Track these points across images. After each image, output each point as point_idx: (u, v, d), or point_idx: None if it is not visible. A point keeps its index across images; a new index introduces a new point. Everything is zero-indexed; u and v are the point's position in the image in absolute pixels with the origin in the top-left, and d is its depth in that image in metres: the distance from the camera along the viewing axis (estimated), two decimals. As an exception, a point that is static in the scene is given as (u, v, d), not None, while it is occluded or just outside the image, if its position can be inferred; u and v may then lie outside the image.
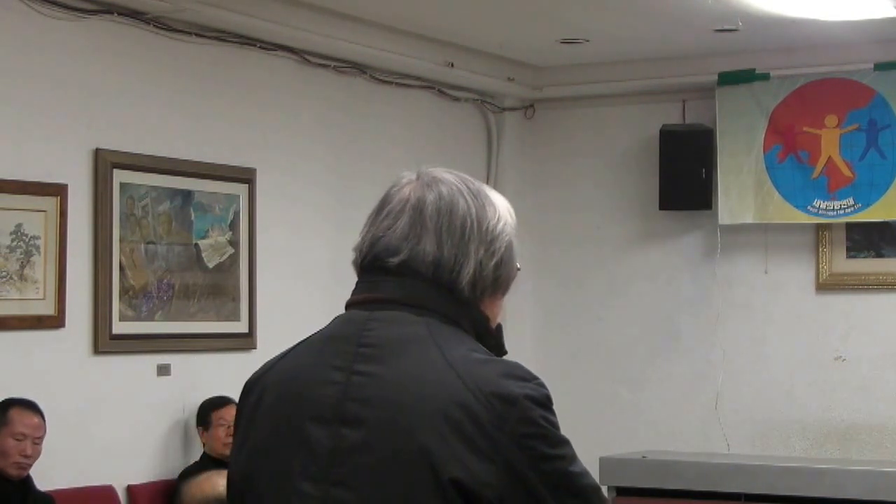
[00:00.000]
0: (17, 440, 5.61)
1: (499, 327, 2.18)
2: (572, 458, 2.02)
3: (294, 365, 2.13)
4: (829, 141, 8.01)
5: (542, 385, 2.02)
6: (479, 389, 1.98)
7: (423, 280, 2.09)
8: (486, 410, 1.97)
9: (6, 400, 5.72)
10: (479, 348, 2.08)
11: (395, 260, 2.09)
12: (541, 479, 1.97)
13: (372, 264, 2.12)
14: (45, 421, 5.72)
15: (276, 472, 2.06)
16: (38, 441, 5.68)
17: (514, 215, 2.18)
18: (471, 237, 2.10)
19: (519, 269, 2.19)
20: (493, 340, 2.13)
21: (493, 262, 2.11)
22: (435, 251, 2.09)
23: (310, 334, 2.17)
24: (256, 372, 2.19)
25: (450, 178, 2.15)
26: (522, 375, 2.02)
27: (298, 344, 2.18)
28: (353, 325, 2.09)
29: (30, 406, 5.71)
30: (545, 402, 2.01)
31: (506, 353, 2.16)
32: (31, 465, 5.68)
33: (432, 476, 1.95)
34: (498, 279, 2.13)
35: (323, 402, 2.05)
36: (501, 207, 2.16)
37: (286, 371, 2.13)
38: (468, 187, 2.14)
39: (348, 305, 2.15)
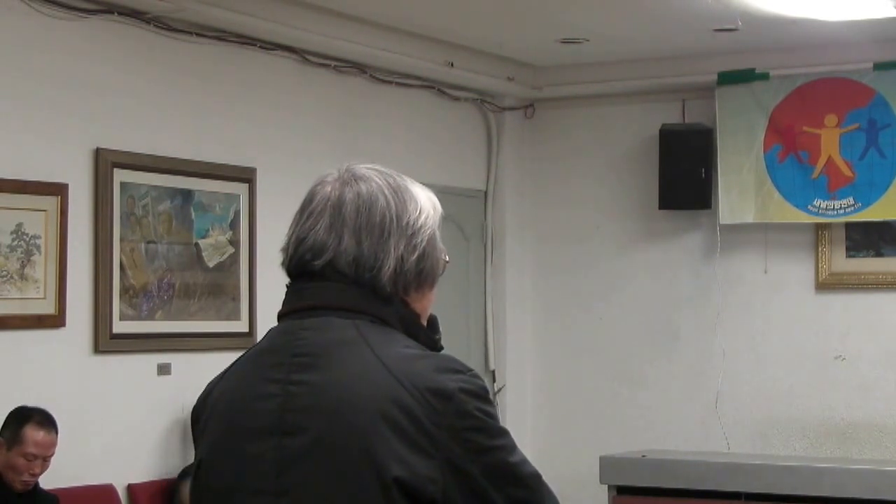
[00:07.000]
0: (28, 460, 5.52)
1: (433, 320, 2.17)
2: (511, 447, 2.02)
3: (233, 383, 2.15)
4: (829, 140, 8.01)
5: (476, 376, 2.03)
6: (415, 386, 1.99)
7: (347, 282, 2.09)
8: (422, 407, 1.97)
9: (23, 412, 5.60)
10: (411, 344, 2.08)
11: (318, 262, 2.10)
12: (481, 471, 1.98)
13: (298, 268, 2.13)
14: (58, 434, 5.62)
15: (226, 491, 2.07)
16: (48, 458, 5.60)
17: (438, 207, 2.18)
18: (390, 233, 2.10)
19: (447, 262, 2.19)
20: (424, 335, 2.13)
21: (414, 257, 2.11)
22: (355, 250, 2.09)
23: (245, 350, 2.19)
24: (200, 397, 2.21)
25: (371, 174, 2.18)
26: (456, 368, 2.03)
27: (236, 361, 2.19)
28: (284, 336, 2.10)
29: (44, 423, 5.58)
30: (480, 394, 2.01)
31: (441, 348, 2.15)
32: (37, 479, 5.62)
33: (376, 478, 1.95)
34: (422, 273, 2.13)
35: (263, 415, 2.06)
36: (423, 201, 2.16)
37: (226, 391, 2.15)
38: (388, 182, 2.16)
39: (280, 317, 2.15)
